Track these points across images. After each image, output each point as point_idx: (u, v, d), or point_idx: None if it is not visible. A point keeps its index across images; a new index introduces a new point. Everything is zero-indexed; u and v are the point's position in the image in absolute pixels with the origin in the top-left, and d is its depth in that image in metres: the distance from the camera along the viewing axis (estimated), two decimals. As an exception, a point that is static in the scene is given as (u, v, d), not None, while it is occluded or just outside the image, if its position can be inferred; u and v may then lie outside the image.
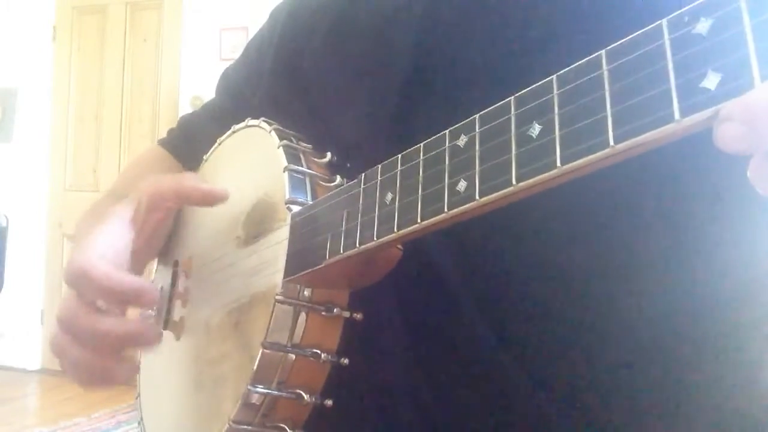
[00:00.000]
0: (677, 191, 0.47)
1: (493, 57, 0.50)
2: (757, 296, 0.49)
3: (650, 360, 0.48)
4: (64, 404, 3.54)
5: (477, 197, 0.34)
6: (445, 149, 0.37)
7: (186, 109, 3.73)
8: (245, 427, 0.49)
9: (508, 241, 0.49)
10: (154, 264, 0.71)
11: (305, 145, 0.57)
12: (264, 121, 0.60)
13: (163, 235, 0.63)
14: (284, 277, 0.49)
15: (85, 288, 0.51)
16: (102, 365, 0.51)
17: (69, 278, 0.51)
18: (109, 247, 0.52)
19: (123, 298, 0.50)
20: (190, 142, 0.78)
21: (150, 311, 0.66)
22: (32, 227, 4.11)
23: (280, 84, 0.66)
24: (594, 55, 0.29)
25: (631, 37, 0.28)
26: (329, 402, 0.50)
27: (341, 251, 0.44)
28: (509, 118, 0.33)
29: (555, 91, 0.31)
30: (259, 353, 0.48)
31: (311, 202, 0.51)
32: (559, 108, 0.30)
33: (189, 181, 0.58)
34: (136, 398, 0.71)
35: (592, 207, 0.47)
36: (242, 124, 0.64)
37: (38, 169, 4.17)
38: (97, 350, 0.51)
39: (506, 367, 0.50)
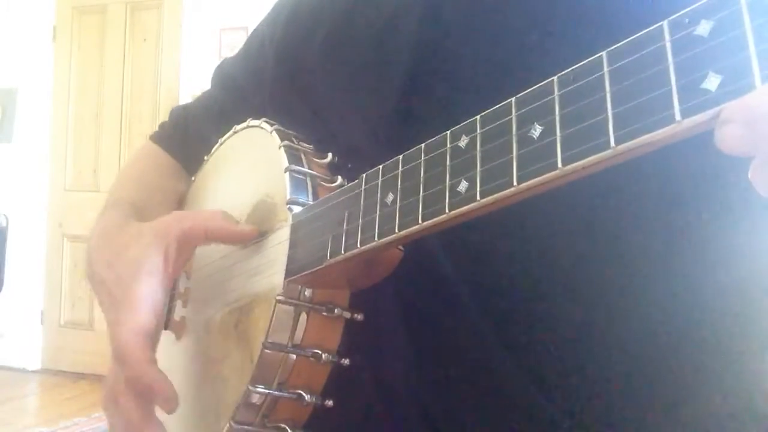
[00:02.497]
0: (678, 192, 0.47)
1: (494, 58, 0.50)
2: (757, 294, 0.49)
3: (651, 359, 0.48)
4: (64, 404, 3.54)
5: (478, 198, 0.34)
6: (446, 150, 0.37)
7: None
8: (246, 427, 0.50)
9: (509, 241, 0.49)
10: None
11: (306, 145, 0.57)
12: (265, 121, 0.60)
13: (184, 268, 0.62)
14: (285, 278, 0.49)
15: (123, 367, 0.52)
16: None
17: (115, 354, 0.53)
18: (149, 310, 0.53)
19: (143, 391, 0.52)
20: (185, 139, 0.77)
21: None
22: (32, 227, 4.11)
23: (281, 85, 0.65)
24: (595, 57, 0.29)
25: (632, 38, 0.28)
26: (330, 402, 0.50)
27: (342, 252, 0.44)
28: (510, 120, 0.33)
29: (556, 93, 0.31)
30: (260, 353, 0.48)
31: (312, 203, 0.51)
32: (560, 109, 0.30)
33: (217, 221, 0.56)
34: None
35: (593, 208, 0.47)
36: (243, 125, 0.64)
37: (38, 169, 4.17)
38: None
39: (507, 367, 0.50)
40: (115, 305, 0.54)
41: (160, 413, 0.66)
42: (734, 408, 0.50)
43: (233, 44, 3.65)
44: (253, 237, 0.56)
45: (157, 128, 0.82)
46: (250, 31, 0.75)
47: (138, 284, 0.52)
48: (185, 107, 0.81)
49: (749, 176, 0.25)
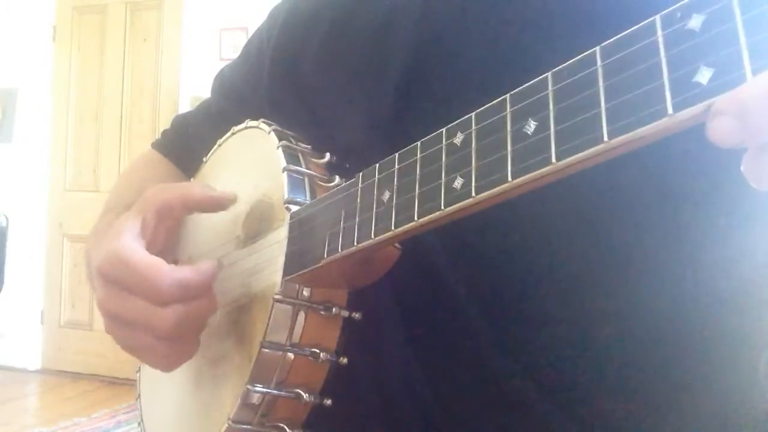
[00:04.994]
0: (677, 191, 0.47)
1: (490, 58, 0.50)
2: (756, 293, 0.50)
3: (651, 359, 0.48)
4: (64, 404, 3.55)
5: (473, 194, 0.34)
6: (441, 147, 0.37)
7: (186, 109, 3.72)
8: (245, 426, 0.50)
9: (507, 240, 0.49)
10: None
11: (304, 145, 0.57)
12: (263, 122, 0.60)
13: (172, 244, 0.61)
14: (283, 277, 0.49)
15: (123, 278, 0.49)
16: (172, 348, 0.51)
17: (103, 269, 0.50)
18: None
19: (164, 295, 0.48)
20: (185, 144, 0.77)
21: None
22: (32, 227, 4.12)
23: (278, 85, 0.66)
24: (588, 52, 0.29)
25: (624, 33, 0.28)
26: (328, 401, 0.50)
27: (339, 250, 0.44)
28: (505, 116, 0.33)
29: (550, 88, 0.31)
30: (258, 352, 0.48)
31: (310, 202, 0.51)
32: (554, 104, 0.30)
33: (196, 188, 0.57)
34: (137, 399, 0.71)
35: (592, 207, 0.47)
36: (242, 126, 0.64)
37: (38, 169, 4.18)
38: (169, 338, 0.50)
39: (505, 366, 0.50)
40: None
41: (155, 413, 0.67)
42: (734, 408, 0.50)
43: (233, 44, 3.66)
44: (231, 200, 0.56)
45: (156, 131, 0.83)
46: (251, 31, 0.76)
47: (113, 241, 0.51)
48: (186, 115, 0.82)
49: (742, 168, 0.25)
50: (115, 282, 0.50)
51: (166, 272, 0.48)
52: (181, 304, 0.49)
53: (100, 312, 0.52)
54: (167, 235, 0.56)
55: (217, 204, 0.56)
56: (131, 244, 0.50)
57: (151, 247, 0.52)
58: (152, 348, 0.51)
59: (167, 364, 0.52)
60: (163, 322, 0.48)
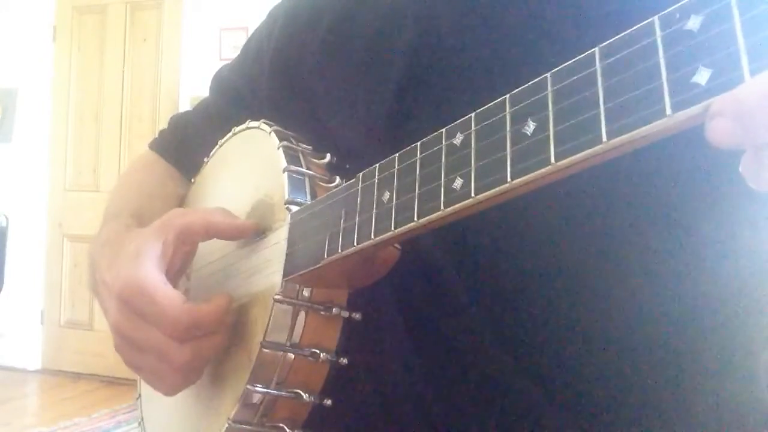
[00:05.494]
0: (676, 190, 0.47)
1: (490, 58, 0.50)
2: (756, 292, 0.50)
3: (651, 358, 0.48)
4: (64, 404, 3.54)
5: (473, 194, 0.34)
6: (441, 147, 0.37)
7: (186, 109, 3.72)
8: (245, 426, 0.50)
9: (507, 240, 0.49)
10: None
11: (305, 146, 0.57)
12: (264, 122, 0.60)
13: (187, 267, 0.60)
14: (283, 277, 0.49)
15: (142, 307, 0.50)
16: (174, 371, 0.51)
17: (123, 294, 0.51)
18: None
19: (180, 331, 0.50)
20: (183, 146, 0.77)
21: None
22: (32, 227, 4.11)
23: (278, 86, 0.66)
24: (588, 53, 0.29)
25: (623, 34, 0.28)
26: (328, 401, 0.50)
27: (339, 250, 0.44)
28: (504, 116, 0.33)
29: (549, 89, 0.31)
30: (258, 352, 0.48)
31: (310, 203, 0.51)
32: (553, 105, 0.30)
33: (218, 216, 0.56)
34: (137, 399, 0.71)
35: (591, 206, 0.47)
36: (242, 126, 0.64)
37: (38, 169, 4.17)
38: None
39: (506, 366, 0.50)
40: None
41: (156, 414, 0.67)
42: (733, 407, 0.50)
43: (233, 44, 3.66)
44: (253, 231, 0.56)
45: (156, 131, 0.82)
46: (251, 31, 0.75)
47: (136, 265, 0.52)
48: (184, 115, 0.81)
49: (740, 170, 0.25)
50: (134, 310, 0.51)
51: (186, 311, 0.49)
52: (198, 341, 0.50)
53: (112, 331, 0.53)
54: (184, 261, 0.56)
55: (239, 232, 0.56)
56: (153, 274, 0.51)
57: (168, 272, 0.53)
58: (161, 375, 0.52)
59: (173, 390, 0.53)
60: (180, 357, 0.50)
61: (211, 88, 0.77)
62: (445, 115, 0.39)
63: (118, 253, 0.55)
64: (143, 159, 0.81)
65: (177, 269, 0.56)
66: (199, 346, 0.50)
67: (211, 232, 0.55)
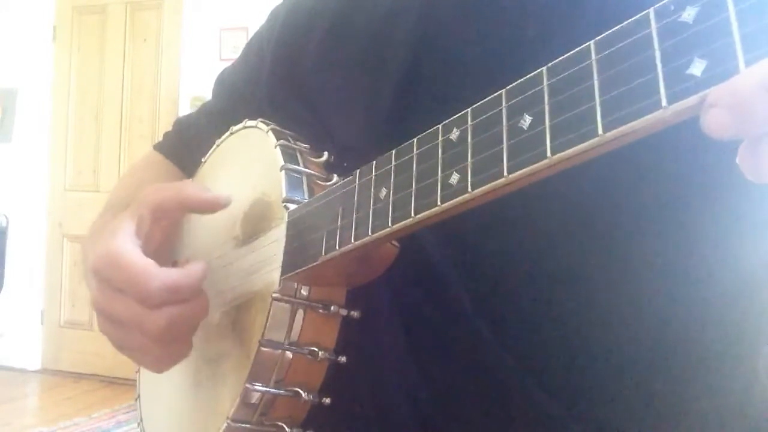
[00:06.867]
0: (675, 190, 0.47)
1: (489, 57, 0.50)
2: (756, 290, 0.50)
3: (649, 358, 0.48)
4: (64, 404, 3.55)
5: (469, 190, 0.34)
6: (438, 143, 0.37)
7: (186, 109, 3.73)
8: (244, 425, 0.50)
9: (505, 239, 0.49)
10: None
11: (302, 144, 0.57)
12: (261, 121, 0.60)
13: (169, 245, 0.60)
14: (281, 275, 0.49)
15: (115, 277, 0.50)
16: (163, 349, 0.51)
17: (96, 267, 0.50)
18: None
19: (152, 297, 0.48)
20: (187, 146, 0.77)
21: None
22: (32, 227, 4.12)
23: (278, 84, 0.66)
24: (583, 46, 0.29)
25: (619, 26, 0.28)
26: (327, 400, 0.50)
27: (337, 247, 0.44)
28: (500, 111, 0.33)
29: (545, 82, 0.31)
30: (257, 351, 0.48)
31: (308, 201, 0.51)
32: (549, 99, 0.30)
33: (190, 188, 0.56)
34: (136, 399, 0.71)
35: (590, 205, 0.47)
36: (240, 125, 0.64)
37: (38, 169, 4.18)
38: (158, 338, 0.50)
39: (504, 365, 0.50)
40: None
41: (155, 413, 0.67)
42: (733, 406, 0.50)
43: (233, 44, 3.66)
44: (226, 202, 0.55)
45: (156, 131, 0.83)
46: (251, 31, 0.76)
47: (109, 240, 0.51)
48: (188, 117, 0.82)
49: (737, 161, 0.25)
50: (108, 282, 0.50)
51: (155, 275, 0.48)
52: (171, 307, 0.49)
53: (95, 312, 0.52)
54: (163, 235, 0.56)
55: (211, 205, 0.56)
56: (125, 245, 0.50)
57: (146, 248, 0.52)
58: (144, 349, 0.51)
59: (159, 365, 0.52)
60: (154, 324, 0.48)
61: (213, 90, 0.78)
62: (444, 112, 0.39)
63: (101, 234, 0.55)
64: (146, 158, 0.81)
65: (158, 244, 0.55)
66: (173, 312, 0.49)
67: (185, 206, 0.56)
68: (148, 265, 0.49)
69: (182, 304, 0.49)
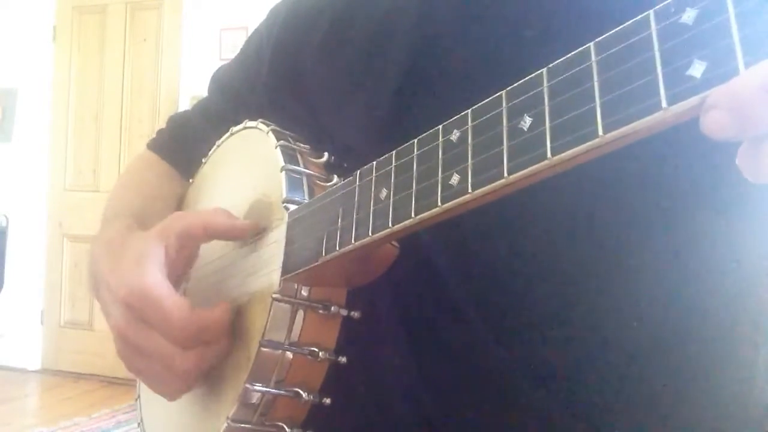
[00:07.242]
0: (674, 190, 0.47)
1: (489, 57, 0.50)
2: (755, 290, 0.50)
3: (649, 358, 0.48)
4: (64, 404, 3.55)
5: (470, 190, 0.34)
6: (438, 144, 0.37)
7: (186, 109, 3.72)
8: (244, 425, 0.50)
9: (505, 239, 0.49)
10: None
11: (303, 145, 0.57)
12: (262, 122, 0.60)
13: (188, 270, 0.60)
14: (282, 276, 0.49)
15: (148, 313, 0.51)
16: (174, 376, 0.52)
17: (127, 300, 0.51)
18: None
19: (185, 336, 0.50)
20: (182, 145, 0.77)
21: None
22: (32, 227, 4.11)
23: (278, 85, 0.66)
24: (583, 47, 0.29)
25: (619, 28, 0.28)
26: (327, 400, 0.50)
27: (337, 248, 0.44)
28: (500, 112, 0.33)
29: (545, 84, 0.31)
30: (257, 351, 0.48)
31: (308, 201, 0.51)
32: (549, 100, 0.30)
33: (218, 217, 0.56)
34: (136, 400, 0.71)
35: (590, 206, 0.47)
36: (240, 126, 0.64)
37: (38, 169, 4.17)
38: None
39: (503, 365, 0.50)
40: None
41: (155, 414, 0.67)
42: (733, 404, 0.50)
43: (233, 44, 3.66)
44: (253, 231, 0.56)
45: (155, 132, 0.82)
46: (251, 31, 0.75)
47: (141, 270, 0.52)
48: (182, 114, 0.81)
49: (737, 162, 0.25)
50: (139, 316, 0.51)
51: (191, 318, 0.50)
52: (202, 348, 0.51)
53: (115, 337, 0.53)
54: (185, 264, 0.57)
55: (238, 233, 0.56)
56: (159, 281, 0.51)
57: (170, 276, 0.53)
58: (166, 381, 0.52)
59: (175, 395, 0.54)
60: (185, 364, 0.50)
61: (209, 88, 0.77)
62: (443, 114, 0.39)
63: (120, 256, 0.55)
64: (142, 159, 0.81)
65: (179, 273, 0.56)
66: (204, 353, 0.51)
67: (210, 234, 0.56)
68: (184, 305, 0.50)
69: (211, 345, 0.51)
